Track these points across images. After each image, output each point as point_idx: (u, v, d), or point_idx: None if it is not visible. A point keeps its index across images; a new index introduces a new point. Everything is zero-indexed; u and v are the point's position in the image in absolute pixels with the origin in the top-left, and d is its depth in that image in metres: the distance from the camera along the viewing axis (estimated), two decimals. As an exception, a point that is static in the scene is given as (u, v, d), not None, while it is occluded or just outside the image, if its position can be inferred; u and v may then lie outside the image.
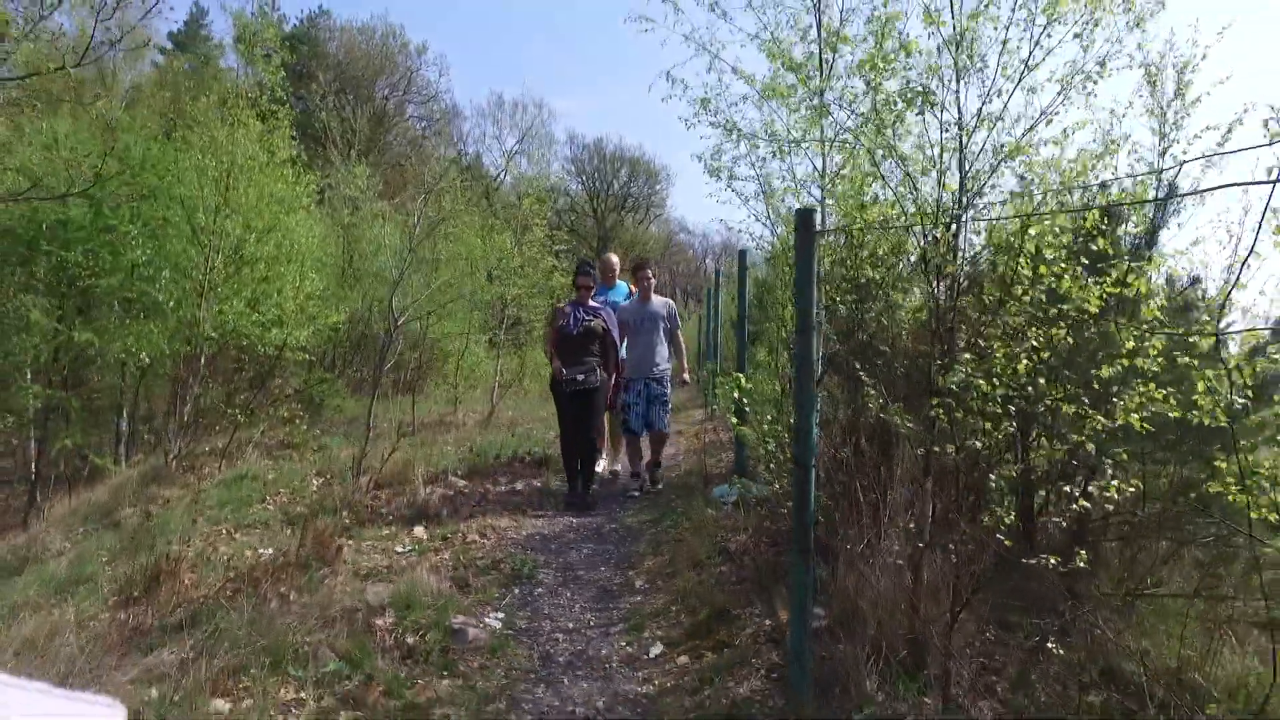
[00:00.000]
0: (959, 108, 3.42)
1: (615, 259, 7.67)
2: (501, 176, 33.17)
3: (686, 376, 7.21)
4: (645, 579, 4.86)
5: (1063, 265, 2.97)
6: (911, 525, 3.33)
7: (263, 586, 4.03)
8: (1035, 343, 3.00)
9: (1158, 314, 2.85)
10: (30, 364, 10.70)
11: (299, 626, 3.58)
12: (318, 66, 26.86)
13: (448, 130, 35.99)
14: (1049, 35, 3.30)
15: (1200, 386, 2.69)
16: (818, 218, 3.55)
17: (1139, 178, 3.85)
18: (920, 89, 3.28)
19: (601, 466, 7.21)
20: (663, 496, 6.63)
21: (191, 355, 8.61)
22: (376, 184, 15.59)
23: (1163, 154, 4.17)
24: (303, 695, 3.13)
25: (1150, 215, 4.17)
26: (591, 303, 6.45)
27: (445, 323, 12.29)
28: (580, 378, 6.17)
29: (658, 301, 6.97)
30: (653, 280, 7.01)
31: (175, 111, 14.73)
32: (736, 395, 4.61)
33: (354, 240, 13.39)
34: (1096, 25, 3.28)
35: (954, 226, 3.27)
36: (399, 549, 5.19)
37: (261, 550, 5.01)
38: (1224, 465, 2.72)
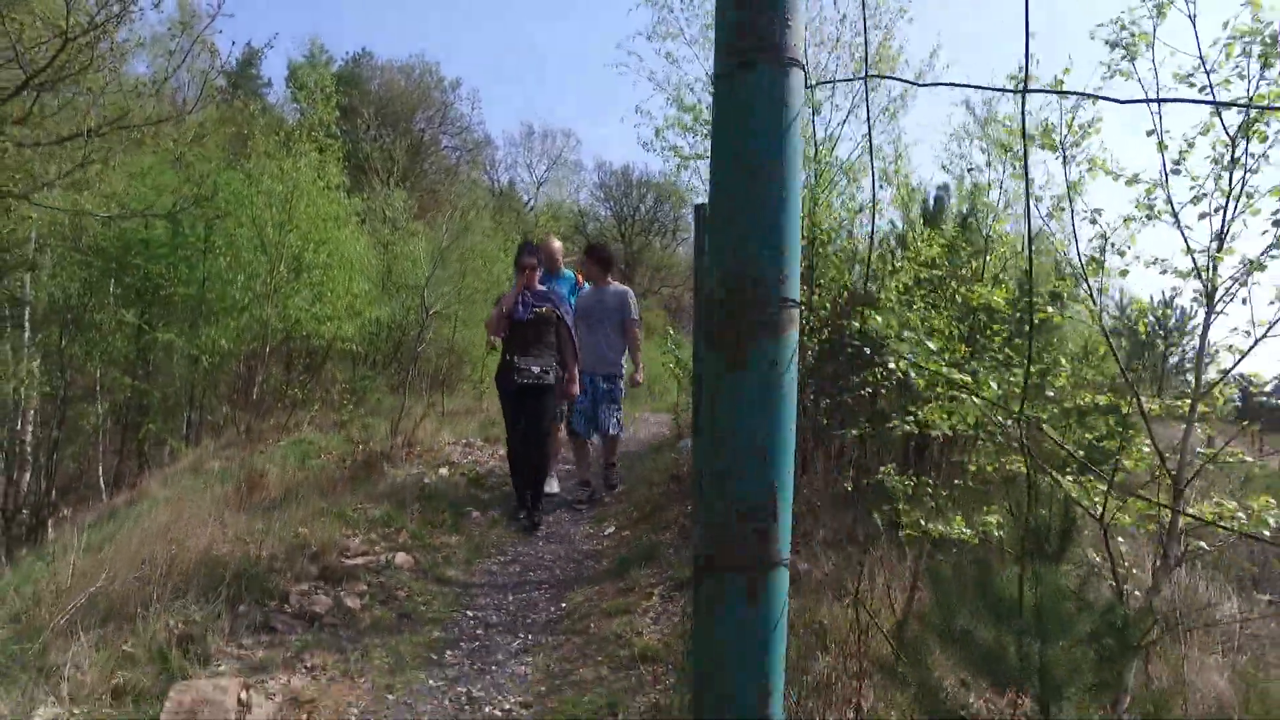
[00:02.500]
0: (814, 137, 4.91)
1: (558, 244, 6.73)
2: (531, 203, 35.17)
3: (640, 378, 6.33)
4: (611, 497, 6.32)
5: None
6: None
7: (325, 485, 5.59)
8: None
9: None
10: (120, 361, 12.59)
11: (352, 500, 5.14)
12: (361, 103, 29.01)
13: (480, 159, 38.08)
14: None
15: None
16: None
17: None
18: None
19: (552, 487, 6.36)
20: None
21: (258, 347, 10.31)
22: (412, 207, 17.40)
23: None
24: (356, 530, 4.67)
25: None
26: (539, 286, 5.62)
27: (471, 329, 13.92)
28: (536, 369, 5.30)
29: (614, 289, 6.23)
30: (613, 264, 6.37)
31: (239, 145, 16.73)
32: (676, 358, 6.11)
33: (392, 257, 15.14)
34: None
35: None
36: (426, 480, 6.74)
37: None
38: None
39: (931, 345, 2.64)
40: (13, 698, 2.73)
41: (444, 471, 6.75)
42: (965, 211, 5.80)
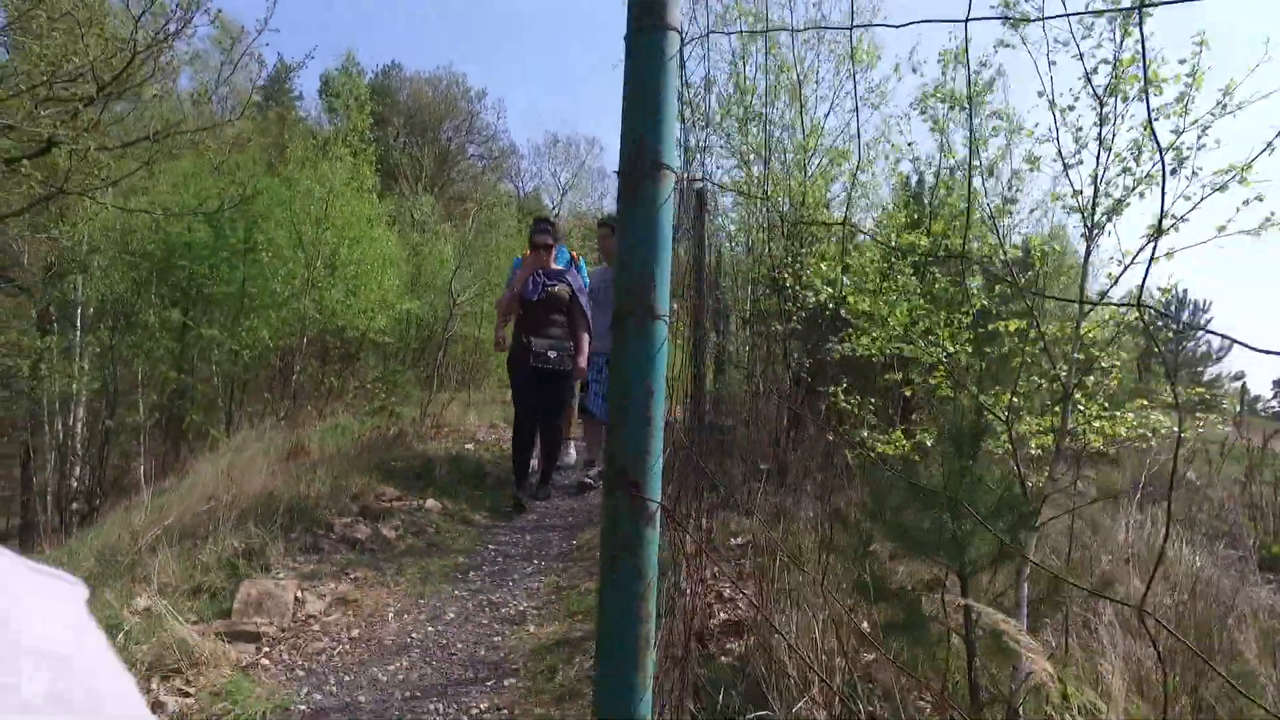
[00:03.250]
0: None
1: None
2: (557, 209, 35.91)
3: None
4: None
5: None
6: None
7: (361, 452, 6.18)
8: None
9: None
10: (165, 356, 13.39)
11: (387, 458, 5.72)
12: (391, 112, 29.97)
13: (505, 167, 38.94)
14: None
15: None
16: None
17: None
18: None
19: (569, 456, 6.59)
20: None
21: (295, 342, 10.99)
22: (440, 212, 18.12)
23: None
24: (390, 483, 5.24)
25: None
26: (554, 265, 5.47)
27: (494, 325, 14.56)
28: (553, 355, 5.24)
29: None
30: None
31: (275, 153, 17.60)
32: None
33: (421, 258, 15.84)
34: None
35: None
36: (454, 452, 7.31)
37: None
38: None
39: (847, 280, 3.14)
40: (115, 591, 3.30)
41: (469, 447, 7.32)
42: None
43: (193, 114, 11.81)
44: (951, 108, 3.57)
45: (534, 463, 5.82)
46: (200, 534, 3.91)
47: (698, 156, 2.90)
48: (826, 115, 6.59)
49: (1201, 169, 2.60)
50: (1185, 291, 20.86)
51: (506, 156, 39.63)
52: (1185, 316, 19.56)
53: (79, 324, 14.65)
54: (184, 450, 13.66)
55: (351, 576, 3.79)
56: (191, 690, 2.61)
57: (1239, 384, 17.84)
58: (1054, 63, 2.85)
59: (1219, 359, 19.52)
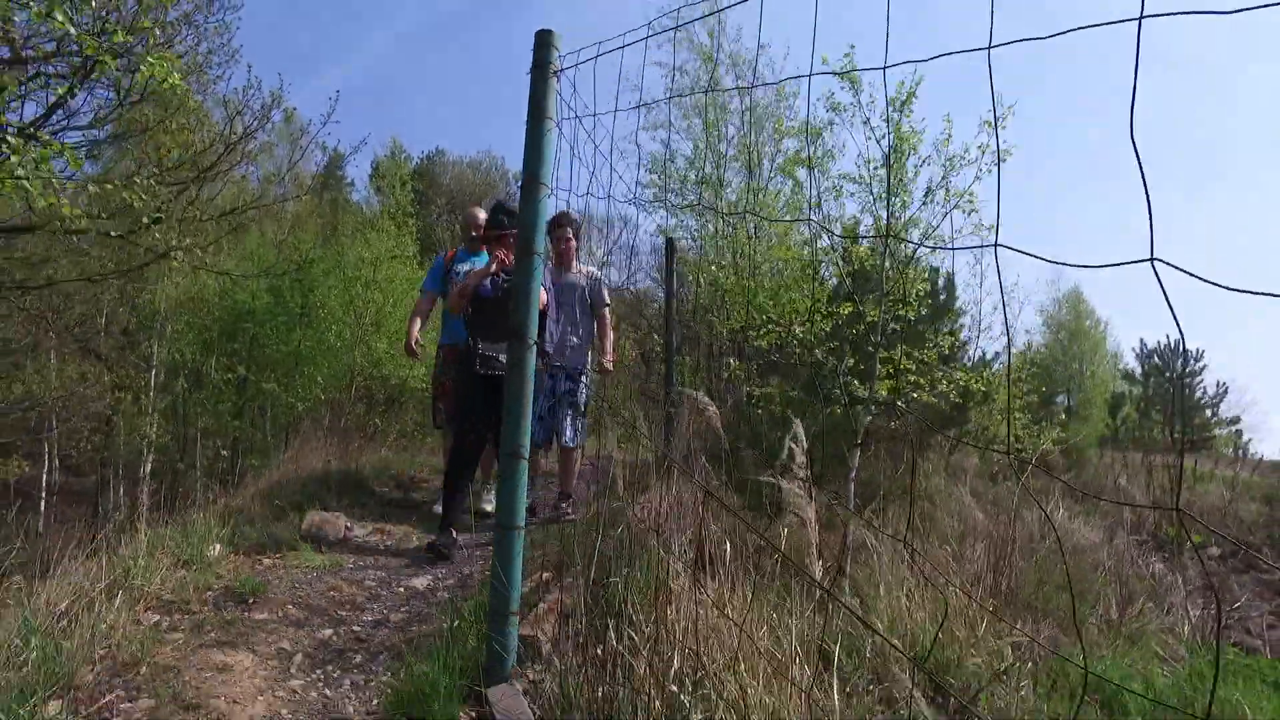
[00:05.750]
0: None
1: (483, 215, 5.52)
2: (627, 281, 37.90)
3: (607, 360, 5.18)
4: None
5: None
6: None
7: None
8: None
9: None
10: (229, 409, 15.04)
11: (421, 459, 7.02)
12: (434, 193, 32.45)
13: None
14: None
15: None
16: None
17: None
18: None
19: (491, 503, 5.17)
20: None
21: (344, 395, 12.51)
22: (476, 280, 19.87)
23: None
24: (422, 470, 6.52)
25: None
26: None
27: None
28: (504, 359, 3.78)
29: (580, 271, 5.25)
30: (573, 243, 5.24)
31: (329, 231, 19.67)
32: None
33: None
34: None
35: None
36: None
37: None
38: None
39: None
40: (217, 519, 4.61)
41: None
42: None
43: (258, 193, 13.78)
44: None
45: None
46: (273, 494, 5.22)
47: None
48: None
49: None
50: (1179, 341, 21.63)
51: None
52: (1180, 365, 20.31)
53: (153, 383, 16.41)
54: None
55: (386, 518, 5.06)
56: (280, 556, 3.89)
57: (1236, 429, 18.43)
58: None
59: (1216, 405, 20.14)
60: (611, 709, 2.15)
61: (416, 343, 5.08)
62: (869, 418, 3.94)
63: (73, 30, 3.83)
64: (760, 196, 8.25)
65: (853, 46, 4.83)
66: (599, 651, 2.33)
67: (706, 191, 8.62)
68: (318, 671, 2.76)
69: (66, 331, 11.82)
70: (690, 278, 8.04)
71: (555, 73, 2.67)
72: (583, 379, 5.13)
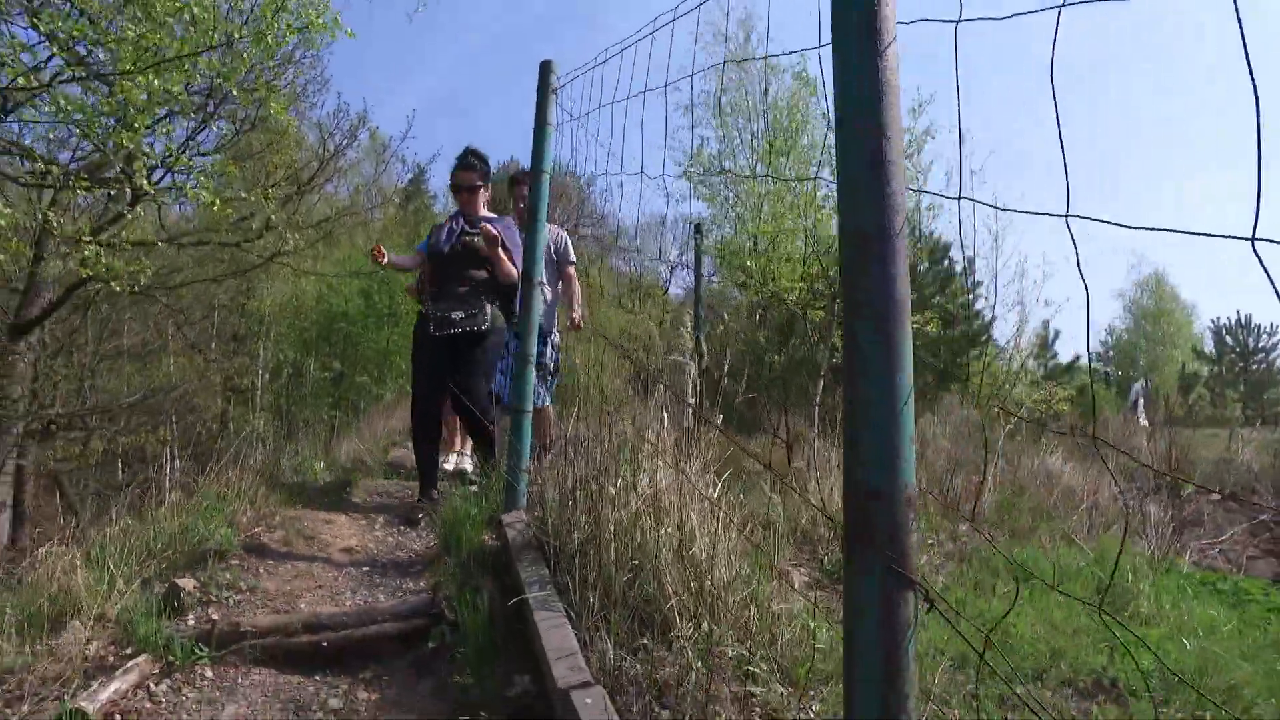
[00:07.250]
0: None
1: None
2: (669, 286, 38.96)
3: (576, 315, 5.21)
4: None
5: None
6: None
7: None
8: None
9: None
10: (326, 400, 16.73)
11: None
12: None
13: (615, 245, 42.50)
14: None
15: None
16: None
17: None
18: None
19: (452, 462, 5.17)
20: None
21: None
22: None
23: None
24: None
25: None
26: (485, 213, 4.47)
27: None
28: (457, 315, 4.13)
29: (550, 230, 4.83)
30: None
31: (416, 236, 21.38)
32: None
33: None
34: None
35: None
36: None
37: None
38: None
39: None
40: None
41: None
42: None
43: (347, 204, 15.41)
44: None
45: (451, 459, 5.11)
46: (370, 442, 6.43)
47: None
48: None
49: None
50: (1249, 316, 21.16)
51: (622, 235, 43.21)
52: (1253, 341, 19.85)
53: (259, 382, 18.23)
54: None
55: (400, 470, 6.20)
56: (367, 477, 5.05)
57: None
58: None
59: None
60: (587, 533, 3.11)
61: (384, 257, 4.26)
62: (834, 358, 4.78)
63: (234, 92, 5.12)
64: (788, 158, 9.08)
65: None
66: (581, 497, 3.31)
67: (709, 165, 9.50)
68: (393, 529, 3.86)
69: (189, 328, 13.48)
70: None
71: (553, 90, 3.69)
72: (551, 338, 5.13)
